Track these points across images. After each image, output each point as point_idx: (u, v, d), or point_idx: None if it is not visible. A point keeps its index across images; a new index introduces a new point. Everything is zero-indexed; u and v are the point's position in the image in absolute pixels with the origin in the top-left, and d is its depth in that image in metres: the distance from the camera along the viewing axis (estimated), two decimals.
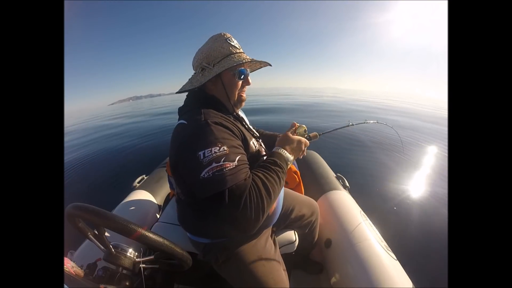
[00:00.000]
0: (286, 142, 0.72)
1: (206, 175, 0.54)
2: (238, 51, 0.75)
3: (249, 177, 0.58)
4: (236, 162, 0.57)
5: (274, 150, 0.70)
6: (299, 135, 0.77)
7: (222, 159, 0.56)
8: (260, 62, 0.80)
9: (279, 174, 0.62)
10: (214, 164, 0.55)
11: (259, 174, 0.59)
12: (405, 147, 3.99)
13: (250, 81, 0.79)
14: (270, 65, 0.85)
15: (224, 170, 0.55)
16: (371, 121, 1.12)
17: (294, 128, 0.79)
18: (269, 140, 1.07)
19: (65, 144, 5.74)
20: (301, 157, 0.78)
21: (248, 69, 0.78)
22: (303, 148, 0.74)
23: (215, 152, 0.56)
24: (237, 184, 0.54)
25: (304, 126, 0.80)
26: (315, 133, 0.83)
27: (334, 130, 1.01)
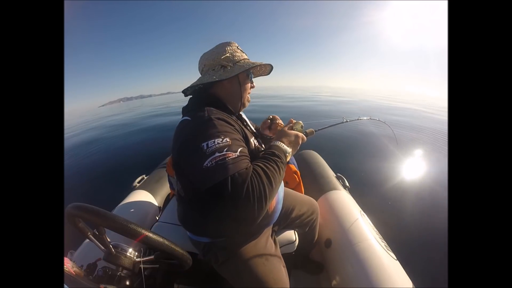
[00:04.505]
0: (283, 136, 0.73)
1: (209, 164, 0.56)
2: (247, 57, 0.84)
3: (250, 166, 0.59)
4: (238, 153, 0.59)
5: (272, 143, 0.71)
6: (296, 131, 0.78)
7: (225, 149, 0.57)
8: (266, 65, 0.88)
9: (278, 163, 0.63)
10: (217, 154, 0.56)
11: (260, 164, 0.60)
12: (405, 146, 3.99)
13: (254, 84, 0.87)
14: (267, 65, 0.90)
15: (227, 159, 0.56)
16: (365, 118, 1.15)
17: (291, 125, 0.81)
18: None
19: (65, 144, 5.74)
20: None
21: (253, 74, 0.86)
22: (300, 143, 0.76)
23: (218, 143, 0.58)
24: (239, 172, 0.54)
25: (300, 122, 0.82)
26: (311, 129, 0.85)
27: (329, 126, 1.06)
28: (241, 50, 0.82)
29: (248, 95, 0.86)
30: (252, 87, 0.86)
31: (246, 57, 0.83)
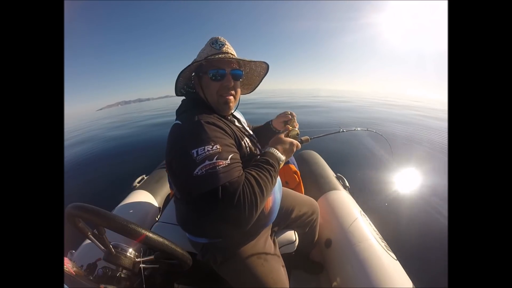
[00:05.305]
0: (278, 143, 0.73)
1: (199, 173, 0.55)
2: (216, 52, 0.73)
3: (242, 175, 0.58)
4: (229, 160, 0.58)
5: (266, 150, 0.71)
6: (291, 138, 0.78)
7: (215, 157, 0.57)
8: (220, 56, 0.71)
9: (271, 172, 0.63)
10: (207, 162, 0.56)
11: (252, 172, 0.60)
12: (404, 147, 4.00)
13: (231, 82, 0.75)
14: (247, 60, 0.77)
15: (217, 168, 0.55)
16: (359, 129, 1.15)
17: (287, 132, 0.81)
18: (264, 131, 1.05)
19: (65, 145, 5.74)
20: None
21: (228, 69, 0.74)
22: (295, 150, 0.75)
23: (208, 151, 0.57)
24: (230, 181, 0.54)
25: (296, 130, 0.82)
26: (306, 137, 0.85)
27: (325, 135, 1.03)
28: (211, 46, 0.74)
29: (223, 95, 0.75)
30: (226, 84, 0.74)
31: (213, 52, 0.73)
